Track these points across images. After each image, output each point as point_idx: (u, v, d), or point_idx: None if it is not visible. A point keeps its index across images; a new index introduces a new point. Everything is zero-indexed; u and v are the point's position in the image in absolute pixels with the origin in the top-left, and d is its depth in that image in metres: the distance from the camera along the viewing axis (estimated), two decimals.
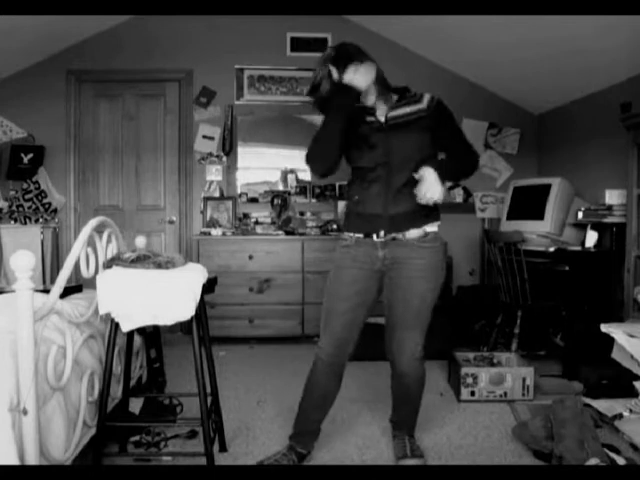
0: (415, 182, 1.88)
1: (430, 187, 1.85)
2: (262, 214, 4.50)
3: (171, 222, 4.63)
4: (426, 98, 1.97)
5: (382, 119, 1.93)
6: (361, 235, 1.97)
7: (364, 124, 1.93)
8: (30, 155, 4.35)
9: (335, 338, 1.97)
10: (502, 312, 3.64)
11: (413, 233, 1.96)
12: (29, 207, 4.37)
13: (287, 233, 4.23)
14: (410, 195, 1.90)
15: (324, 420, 2.13)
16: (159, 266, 1.92)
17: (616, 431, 2.38)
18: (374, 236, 1.95)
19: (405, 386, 2.10)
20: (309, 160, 1.92)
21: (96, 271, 2.07)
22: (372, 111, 1.94)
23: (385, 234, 1.94)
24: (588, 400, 2.59)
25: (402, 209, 1.93)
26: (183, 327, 4.08)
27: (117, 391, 2.22)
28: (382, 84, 1.95)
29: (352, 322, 1.98)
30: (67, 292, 2.10)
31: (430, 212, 2.00)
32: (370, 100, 1.95)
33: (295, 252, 4.10)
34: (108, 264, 1.96)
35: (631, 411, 2.44)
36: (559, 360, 3.36)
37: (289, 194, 4.53)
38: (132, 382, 2.39)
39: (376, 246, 1.96)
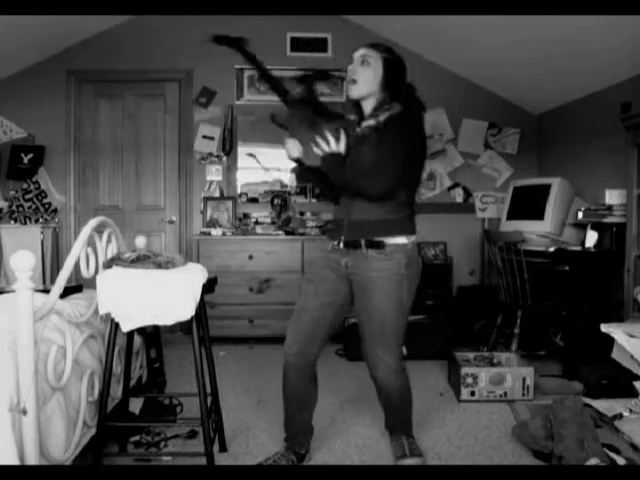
0: None
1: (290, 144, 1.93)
2: (262, 214, 4.50)
3: (171, 222, 4.63)
4: (384, 115, 1.88)
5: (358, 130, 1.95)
6: (334, 241, 1.99)
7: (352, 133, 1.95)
8: (30, 155, 4.35)
9: (301, 335, 1.97)
10: (502, 312, 3.63)
11: (371, 243, 1.90)
12: (29, 207, 4.37)
13: (287, 233, 4.23)
14: (373, 204, 1.87)
15: (312, 418, 2.13)
16: (159, 266, 1.92)
17: (616, 431, 2.38)
18: (335, 242, 1.97)
19: (388, 397, 2.10)
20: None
21: (96, 271, 2.07)
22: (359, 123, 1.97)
23: (345, 241, 1.93)
24: (588, 400, 2.59)
25: (362, 217, 1.90)
26: (183, 327, 4.08)
27: (117, 391, 2.23)
28: (388, 90, 1.90)
29: (319, 320, 1.97)
30: (67, 292, 2.10)
31: (398, 224, 1.91)
32: (367, 107, 1.95)
33: (295, 252, 4.10)
34: (108, 264, 1.96)
35: (631, 411, 2.44)
36: (559, 360, 3.36)
37: (289, 194, 4.53)
38: (132, 382, 2.39)
39: (341, 253, 1.96)
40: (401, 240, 1.90)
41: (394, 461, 2.13)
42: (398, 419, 2.18)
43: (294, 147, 1.93)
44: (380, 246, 1.89)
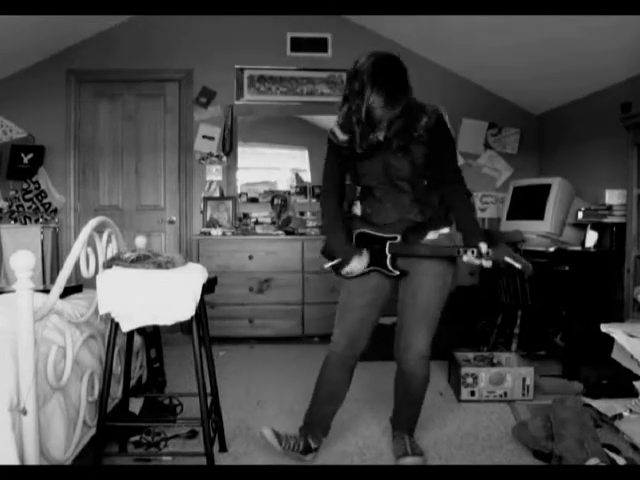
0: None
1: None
2: (262, 214, 4.50)
3: (171, 222, 4.63)
4: (424, 119, 1.92)
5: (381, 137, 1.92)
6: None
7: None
8: (30, 155, 4.35)
9: (349, 331, 2.05)
10: (502, 312, 3.63)
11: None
12: (29, 207, 4.37)
13: (287, 233, 4.23)
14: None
15: (334, 416, 2.17)
16: (159, 266, 1.92)
17: (616, 431, 2.38)
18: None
19: (409, 384, 2.10)
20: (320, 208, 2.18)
21: (96, 271, 2.07)
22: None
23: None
24: (588, 400, 2.59)
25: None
26: (183, 327, 4.08)
27: (117, 391, 2.22)
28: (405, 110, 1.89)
29: (366, 317, 2.07)
30: (67, 292, 2.10)
31: (443, 216, 2.08)
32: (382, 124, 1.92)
33: (295, 252, 4.10)
34: (108, 264, 1.96)
35: (631, 411, 2.44)
36: (559, 360, 3.36)
37: (289, 194, 4.53)
38: (132, 382, 2.39)
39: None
40: (446, 230, 2.07)
41: (395, 459, 2.13)
42: (407, 414, 2.20)
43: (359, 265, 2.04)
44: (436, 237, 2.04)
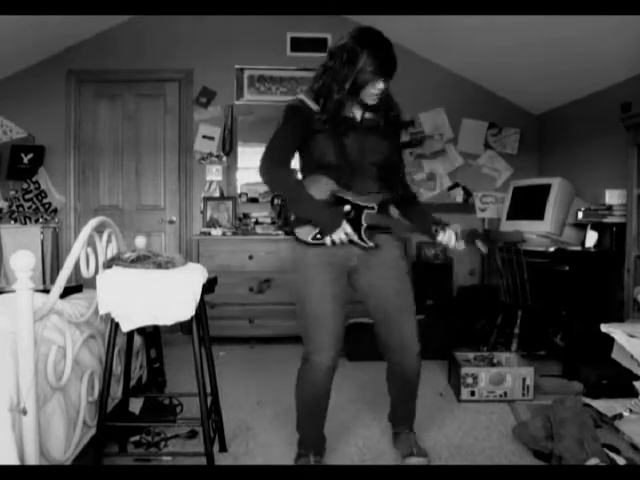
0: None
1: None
2: (262, 214, 4.50)
3: (171, 222, 4.63)
4: (397, 111, 1.98)
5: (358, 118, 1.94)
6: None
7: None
8: (30, 155, 4.35)
9: (334, 339, 1.91)
10: (502, 312, 3.63)
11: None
12: (29, 207, 4.37)
13: (287, 233, 4.21)
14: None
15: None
16: (159, 266, 1.92)
17: (616, 431, 2.38)
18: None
19: (407, 382, 2.09)
20: (267, 181, 1.90)
21: (96, 271, 2.07)
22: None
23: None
24: (588, 400, 2.59)
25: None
26: (183, 327, 4.07)
27: (117, 391, 2.22)
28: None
29: (342, 321, 1.95)
30: (67, 292, 2.10)
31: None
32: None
33: None
34: (108, 264, 1.96)
35: (631, 411, 2.44)
36: (559, 360, 3.36)
37: None
38: (132, 382, 2.39)
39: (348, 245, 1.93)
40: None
41: (400, 459, 2.12)
42: (406, 410, 2.18)
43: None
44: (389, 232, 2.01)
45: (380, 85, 1.83)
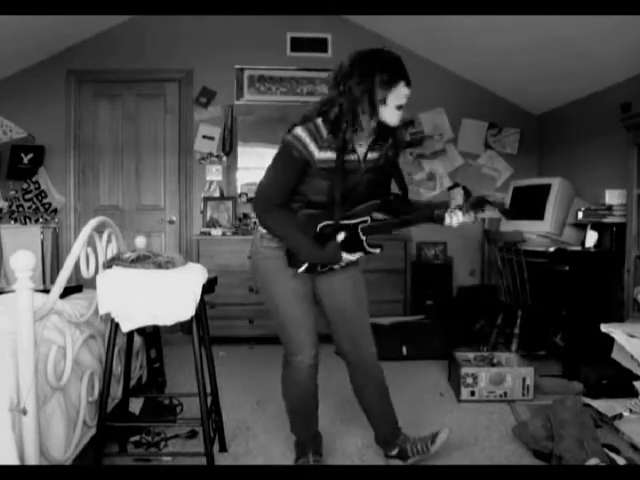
0: None
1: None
2: None
3: (171, 222, 4.63)
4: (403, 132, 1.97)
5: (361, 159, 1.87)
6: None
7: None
8: (30, 155, 4.35)
9: (314, 338, 1.93)
10: (502, 312, 3.63)
11: None
12: (29, 207, 4.37)
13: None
14: None
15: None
16: (159, 266, 1.92)
17: (616, 431, 2.38)
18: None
19: (379, 390, 2.07)
20: (266, 227, 1.86)
21: (96, 271, 2.07)
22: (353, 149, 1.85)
23: None
24: (588, 400, 2.59)
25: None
26: (183, 327, 4.06)
27: (117, 391, 2.22)
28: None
29: (315, 320, 1.96)
30: (67, 292, 2.10)
31: None
32: (361, 138, 1.85)
33: None
34: (108, 264, 1.97)
35: (631, 411, 2.44)
36: (559, 360, 3.36)
37: None
38: (132, 382, 2.39)
39: None
40: None
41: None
42: (390, 420, 2.12)
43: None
44: None
45: (405, 90, 1.74)
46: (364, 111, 1.74)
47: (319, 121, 1.79)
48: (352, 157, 1.83)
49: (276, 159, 1.86)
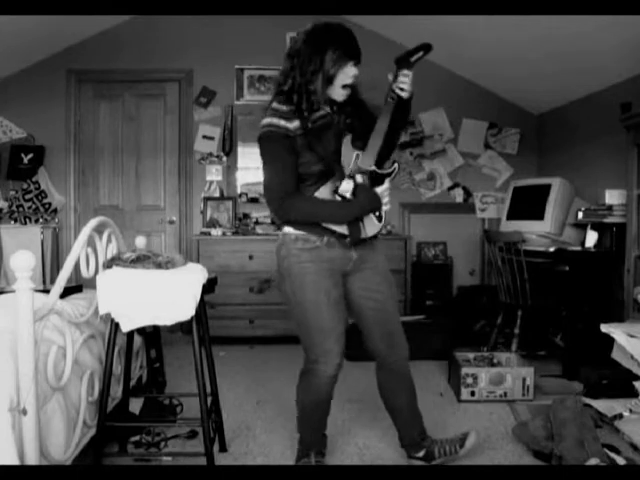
0: None
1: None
2: (262, 214, 4.49)
3: (171, 222, 4.63)
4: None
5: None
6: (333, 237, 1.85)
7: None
8: (30, 155, 4.35)
9: (342, 346, 1.88)
10: (502, 312, 3.64)
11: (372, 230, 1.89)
12: (29, 207, 4.37)
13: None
14: None
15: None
16: (159, 266, 1.92)
17: (616, 431, 2.38)
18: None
19: (408, 388, 2.07)
20: (293, 219, 1.82)
21: (96, 271, 2.07)
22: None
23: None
24: (588, 400, 2.59)
25: None
26: (183, 327, 4.07)
27: (117, 391, 2.23)
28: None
29: (344, 330, 1.90)
30: (67, 292, 2.10)
31: None
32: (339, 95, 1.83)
33: None
34: (108, 264, 1.96)
35: (631, 411, 2.44)
36: (559, 360, 3.36)
37: None
38: (132, 382, 2.39)
39: (348, 250, 1.88)
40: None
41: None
42: (419, 422, 2.10)
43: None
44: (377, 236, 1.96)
45: (353, 71, 1.78)
46: (315, 87, 1.78)
47: (275, 104, 1.82)
48: (321, 113, 1.83)
49: (263, 154, 1.83)
